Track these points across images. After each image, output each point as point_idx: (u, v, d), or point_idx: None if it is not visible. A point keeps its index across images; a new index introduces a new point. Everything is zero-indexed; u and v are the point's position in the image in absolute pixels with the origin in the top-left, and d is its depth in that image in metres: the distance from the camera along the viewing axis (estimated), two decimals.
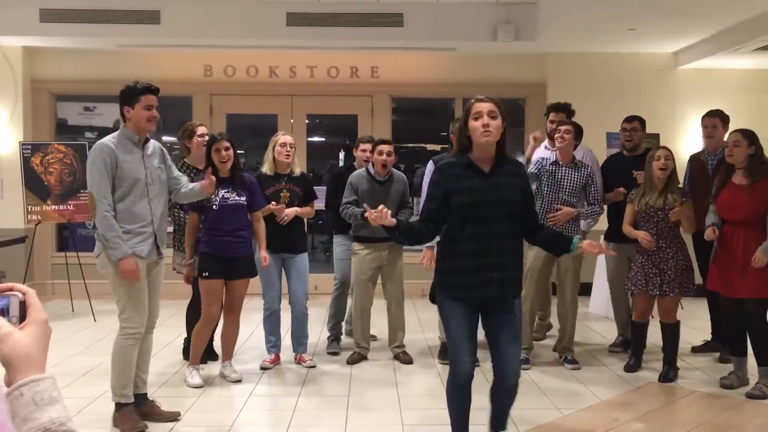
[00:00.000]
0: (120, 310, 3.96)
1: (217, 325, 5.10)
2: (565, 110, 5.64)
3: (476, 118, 3.18)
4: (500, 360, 3.30)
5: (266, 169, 5.27)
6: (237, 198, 4.78)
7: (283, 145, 5.21)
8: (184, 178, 4.35)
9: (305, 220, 5.55)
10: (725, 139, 4.71)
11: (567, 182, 5.13)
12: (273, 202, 5.12)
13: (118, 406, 4.01)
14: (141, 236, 3.94)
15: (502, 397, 3.38)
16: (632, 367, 5.14)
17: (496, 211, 3.18)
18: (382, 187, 5.33)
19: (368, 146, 5.65)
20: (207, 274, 4.75)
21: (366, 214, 5.04)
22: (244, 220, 4.83)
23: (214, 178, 4.27)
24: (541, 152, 5.51)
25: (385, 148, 5.30)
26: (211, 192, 4.33)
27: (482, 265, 3.16)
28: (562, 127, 5.15)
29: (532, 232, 3.40)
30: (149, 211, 3.98)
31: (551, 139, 5.46)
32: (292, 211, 5.18)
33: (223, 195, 4.73)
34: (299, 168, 5.38)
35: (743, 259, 4.55)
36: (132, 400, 4.03)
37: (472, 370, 3.27)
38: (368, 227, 5.18)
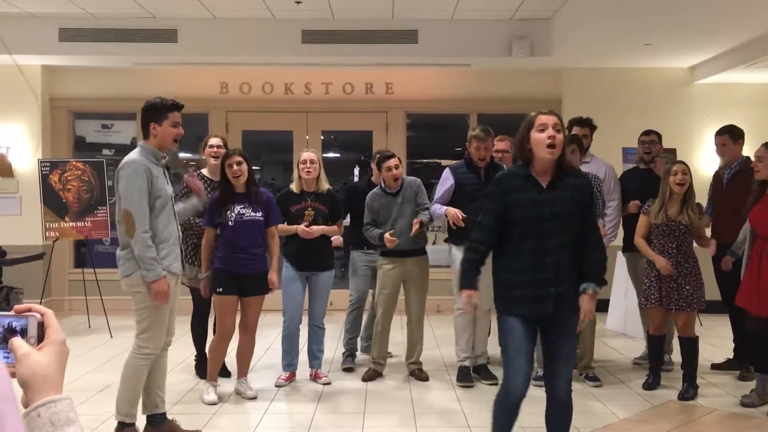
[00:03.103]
0: (141, 330, 3.89)
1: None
2: (588, 124, 5.68)
3: (541, 130, 3.14)
4: (552, 377, 3.27)
5: (293, 186, 5.28)
6: (253, 214, 4.76)
7: (304, 161, 5.19)
8: None
9: (331, 237, 5.45)
10: (755, 152, 4.70)
11: None
12: (298, 226, 5.11)
13: (121, 426, 3.97)
14: (174, 253, 3.95)
15: (557, 416, 3.32)
16: (651, 384, 5.08)
17: (552, 225, 3.13)
18: (395, 198, 5.34)
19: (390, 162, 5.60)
20: (221, 290, 4.75)
21: (385, 238, 5.13)
22: (259, 237, 4.80)
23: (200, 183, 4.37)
24: None
25: (393, 162, 5.31)
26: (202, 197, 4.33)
27: (538, 280, 3.12)
28: (569, 148, 5.19)
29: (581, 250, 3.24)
30: (176, 227, 4.02)
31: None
32: (318, 230, 5.14)
33: (238, 211, 4.73)
34: (326, 185, 5.30)
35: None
36: (135, 420, 3.99)
37: (525, 388, 3.21)
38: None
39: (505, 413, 3.26)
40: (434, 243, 7.96)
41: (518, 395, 3.19)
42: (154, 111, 3.89)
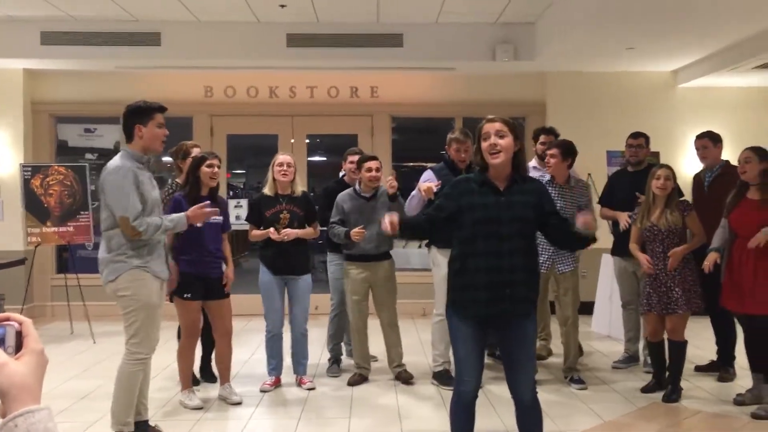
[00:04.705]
0: (131, 335, 3.84)
1: (213, 348, 5.12)
2: (552, 133, 5.89)
3: (485, 140, 3.19)
4: (515, 380, 3.28)
5: (267, 190, 5.23)
6: (218, 217, 4.74)
7: (281, 164, 5.16)
8: None
9: (307, 240, 5.46)
10: (739, 156, 4.75)
11: (565, 202, 5.13)
12: (272, 229, 5.08)
13: None
14: (161, 256, 3.94)
15: (527, 421, 3.32)
16: (651, 388, 5.08)
17: (509, 228, 3.15)
18: (368, 204, 5.30)
19: (356, 158, 5.62)
20: (190, 295, 4.71)
21: (351, 233, 5.12)
22: (220, 241, 4.88)
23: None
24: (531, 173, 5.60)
25: (374, 164, 5.28)
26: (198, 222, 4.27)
27: (493, 281, 3.14)
28: (548, 152, 5.21)
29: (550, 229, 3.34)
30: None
31: (541, 159, 5.65)
32: (292, 233, 5.11)
33: None
34: (301, 188, 5.30)
35: (754, 275, 4.53)
36: (133, 428, 3.94)
37: (476, 390, 3.25)
38: (358, 246, 5.20)
39: (460, 416, 3.30)
40: (420, 246, 7.96)
41: (470, 397, 3.24)
42: (139, 113, 3.87)
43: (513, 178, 3.24)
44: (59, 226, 7.38)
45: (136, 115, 3.88)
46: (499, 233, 3.14)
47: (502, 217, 3.16)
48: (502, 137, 3.17)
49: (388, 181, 5.22)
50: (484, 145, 3.19)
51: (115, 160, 3.86)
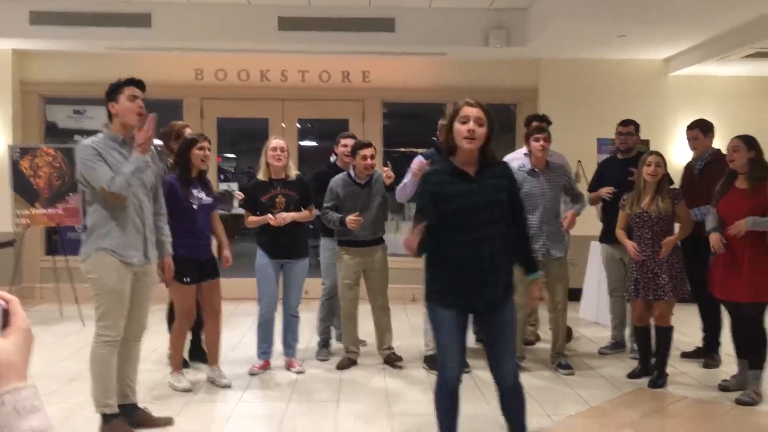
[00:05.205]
0: (99, 317, 3.82)
1: (201, 328, 5.13)
2: (544, 120, 5.87)
3: (463, 122, 3.15)
4: (497, 363, 3.30)
5: (261, 175, 5.20)
6: (208, 198, 4.79)
7: (274, 149, 5.13)
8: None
9: (303, 224, 5.41)
10: (730, 144, 4.76)
11: (549, 187, 5.17)
12: (270, 215, 5.08)
13: (105, 418, 3.90)
14: (132, 241, 3.83)
15: (511, 404, 3.35)
16: (637, 374, 5.13)
17: (485, 214, 3.15)
18: (363, 190, 5.30)
19: (349, 141, 5.61)
20: (189, 279, 4.71)
21: (347, 221, 5.13)
22: (209, 221, 4.90)
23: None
24: (518, 157, 5.61)
25: (368, 151, 5.28)
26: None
27: (475, 269, 3.14)
28: (541, 136, 5.21)
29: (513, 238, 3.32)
30: (142, 214, 3.89)
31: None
32: (288, 216, 5.10)
33: (197, 195, 4.72)
34: (295, 171, 5.27)
35: (743, 263, 4.56)
36: (117, 410, 3.93)
37: (459, 375, 3.28)
38: (353, 232, 5.21)
39: (445, 402, 3.32)
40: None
41: (454, 382, 3.26)
42: (110, 91, 3.82)
43: (481, 163, 3.22)
44: (48, 207, 7.34)
45: (107, 94, 3.83)
46: (476, 220, 3.14)
47: (477, 203, 3.14)
48: (480, 125, 3.15)
49: (385, 171, 5.22)
50: (461, 127, 3.14)
51: (87, 139, 3.83)
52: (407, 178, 5.12)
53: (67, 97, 8.59)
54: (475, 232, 3.14)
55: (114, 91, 3.81)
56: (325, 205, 5.29)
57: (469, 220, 3.14)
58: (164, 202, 4.25)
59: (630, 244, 4.95)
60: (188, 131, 5.25)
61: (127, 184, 3.70)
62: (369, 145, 5.34)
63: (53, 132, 8.72)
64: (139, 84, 3.86)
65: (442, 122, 5.26)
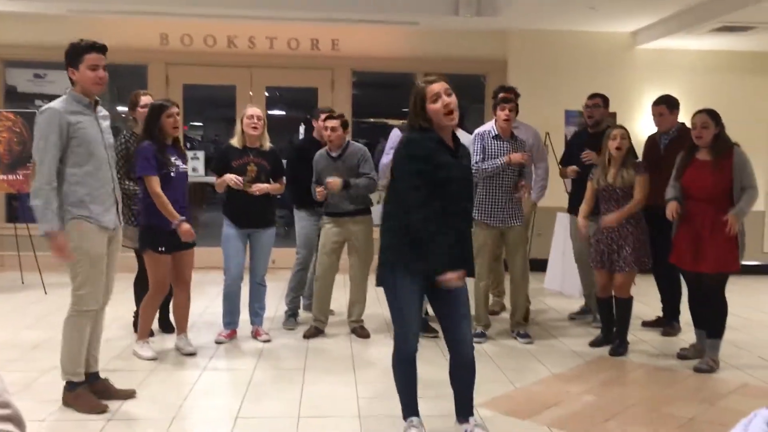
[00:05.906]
0: (77, 286, 3.74)
1: (170, 298, 5.06)
2: (512, 91, 5.77)
3: (434, 101, 3.13)
4: (454, 336, 3.32)
5: (235, 141, 5.16)
6: (184, 166, 4.74)
7: (251, 116, 5.09)
8: None
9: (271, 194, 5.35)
10: (692, 119, 4.79)
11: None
12: (240, 178, 5.03)
13: (70, 385, 3.85)
14: (105, 204, 3.75)
15: (462, 375, 3.37)
16: (599, 343, 5.23)
17: (461, 188, 3.19)
18: (335, 163, 5.33)
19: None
20: (164, 249, 4.66)
21: (315, 190, 5.18)
22: (186, 189, 4.84)
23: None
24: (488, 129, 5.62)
25: (330, 123, 5.28)
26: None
27: (441, 240, 3.11)
28: (507, 106, 5.21)
29: None
30: (110, 176, 3.81)
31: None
32: (264, 188, 5.10)
33: (174, 162, 4.65)
34: (268, 143, 5.25)
35: (707, 234, 4.63)
36: (83, 378, 3.88)
37: (417, 344, 3.32)
38: (335, 203, 5.30)
39: (405, 370, 3.34)
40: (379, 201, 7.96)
41: (412, 351, 3.29)
42: (70, 55, 3.67)
43: (455, 141, 3.25)
44: (8, 174, 7.18)
45: (68, 57, 3.68)
46: (452, 193, 3.15)
47: (458, 177, 3.18)
48: (450, 95, 3.14)
49: (329, 183, 5.20)
50: (436, 106, 3.11)
51: (53, 102, 3.68)
52: (387, 158, 5.15)
53: (28, 61, 8.35)
54: (449, 204, 3.14)
55: (73, 56, 3.67)
56: (313, 180, 5.37)
57: (448, 192, 3.13)
58: (139, 168, 4.29)
59: (582, 221, 5.15)
60: (145, 99, 5.15)
61: (35, 208, 3.59)
62: (333, 116, 5.32)
63: (13, 96, 8.49)
64: (101, 49, 3.72)
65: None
